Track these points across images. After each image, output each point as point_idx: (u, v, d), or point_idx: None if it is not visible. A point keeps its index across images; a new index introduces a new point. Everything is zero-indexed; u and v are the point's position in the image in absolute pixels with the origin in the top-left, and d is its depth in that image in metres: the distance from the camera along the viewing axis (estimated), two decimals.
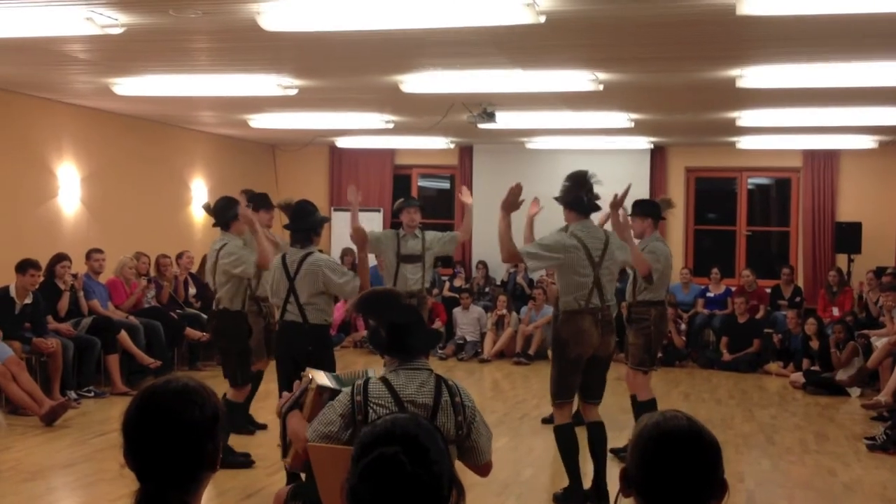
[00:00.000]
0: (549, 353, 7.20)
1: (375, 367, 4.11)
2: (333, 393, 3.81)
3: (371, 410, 3.52)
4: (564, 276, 6.22)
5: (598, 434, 6.38)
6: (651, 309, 7.46)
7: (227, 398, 7.16)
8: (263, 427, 8.18)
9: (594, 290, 6.18)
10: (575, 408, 6.54)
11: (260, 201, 8.16)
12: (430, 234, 8.59)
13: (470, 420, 3.68)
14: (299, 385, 4.02)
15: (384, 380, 3.64)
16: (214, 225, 7.46)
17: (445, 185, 16.50)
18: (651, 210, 7.73)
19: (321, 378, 3.98)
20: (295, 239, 6.49)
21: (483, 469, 3.82)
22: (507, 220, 6.17)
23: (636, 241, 7.11)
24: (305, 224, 6.47)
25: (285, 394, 4.12)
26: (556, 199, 6.45)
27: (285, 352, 6.48)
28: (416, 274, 8.38)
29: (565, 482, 6.53)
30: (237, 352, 7.27)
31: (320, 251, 6.57)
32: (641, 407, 7.36)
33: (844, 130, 12.06)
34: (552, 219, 8.79)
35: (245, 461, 7.10)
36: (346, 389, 3.67)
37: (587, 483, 6.36)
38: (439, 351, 13.06)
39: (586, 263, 6.15)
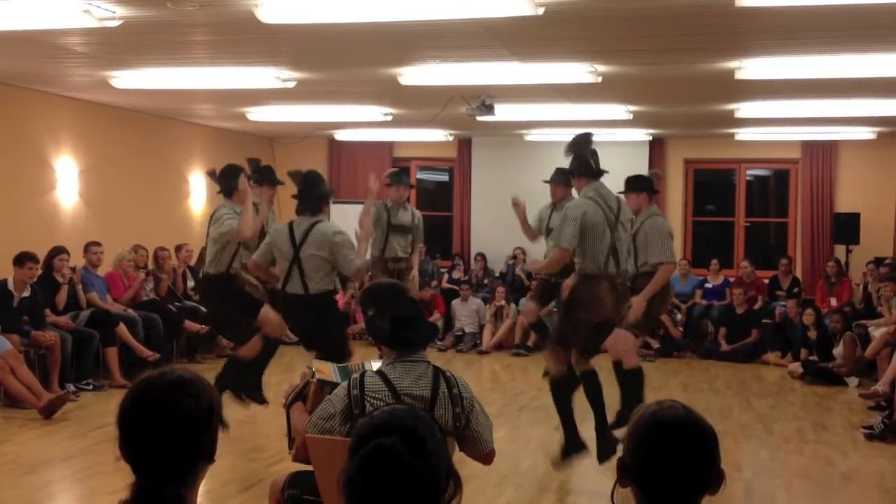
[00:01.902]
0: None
1: (374, 360, 4.11)
2: (334, 387, 3.82)
3: (368, 404, 3.52)
4: (582, 241, 6.23)
5: (592, 381, 6.46)
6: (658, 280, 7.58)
7: (237, 356, 7.22)
8: (265, 403, 7.99)
9: (610, 255, 6.20)
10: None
11: (264, 175, 8.22)
12: (418, 215, 8.85)
13: (468, 411, 3.68)
14: (304, 376, 4.04)
15: (380, 373, 3.64)
16: (218, 192, 7.55)
17: (444, 177, 16.49)
18: (644, 185, 7.78)
19: (325, 371, 3.98)
20: (303, 208, 6.54)
21: (486, 457, 3.84)
22: (534, 264, 6.41)
23: (633, 217, 7.08)
24: (314, 194, 6.53)
25: (291, 385, 4.13)
26: (566, 171, 6.56)
27: (290, 326, 6.52)
28: (403, 243, 8.60)
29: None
30: (227, 313, 7.28)
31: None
32: (628, 376, 7.32)
33: (843, 122, 12.06)
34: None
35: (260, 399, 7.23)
36: (344, 383, 3.67)
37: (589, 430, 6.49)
38: (438, 343, 13.07)
39: (603, 222, 6.19)
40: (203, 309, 10.64)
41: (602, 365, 6.90)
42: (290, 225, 6.50)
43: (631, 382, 7.23)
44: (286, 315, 6.63)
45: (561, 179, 8.57)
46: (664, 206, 14.44)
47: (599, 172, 6.41)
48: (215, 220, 7.36)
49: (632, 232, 7.32)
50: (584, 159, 6.37)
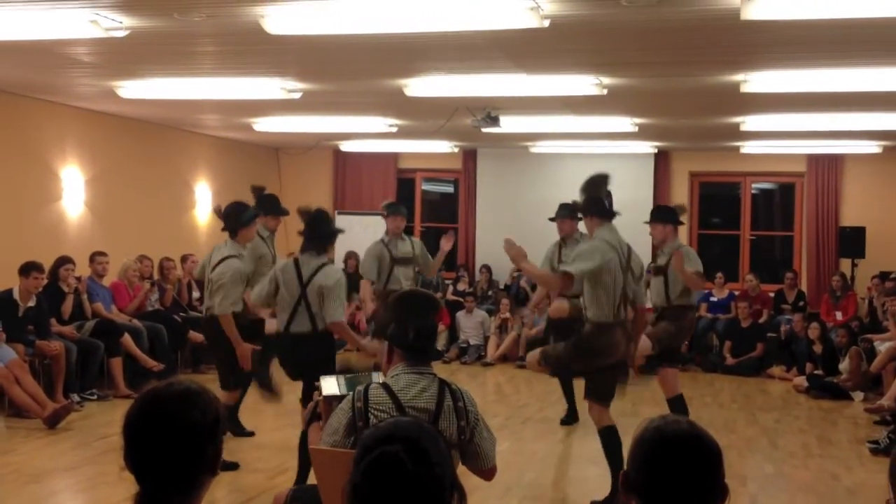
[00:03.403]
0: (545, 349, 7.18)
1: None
2: (342, 399, 3.83)
3: (372, 416, 3.51)
4: (596, 285, 6.13)
5: (612, 437, 6.37)
6: (688, 312, 7.64)
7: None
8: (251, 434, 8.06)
9: (622, 302, 6.16)
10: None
11: (268, 205, 8.13)
12: (418, 243, 8.82)
13: (473, 424, 3.68)
14: (315, 396, 4.06)
15: (384, 385, 3.64)
16: (223, 229, 7.35)
17: (449, 189, 16.50)
18: (671, 216, 7.81)
19: (330, 386, 3.98)
20: (308, 246, 6.48)
21: (488, 473, 3.83)
22: (527, 264, 6.21)
23: (643, 263, 7.03)
24: (321, 233, 6.51)
25: (310, 405, 4.16)
26: (578, 208, 6.52)
27: (292, 364, 6.49)
28: (408, 276, 8.57)
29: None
30: (228, 357, 7.18)
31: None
32: (671, 404, 7.49)
33: (848, 135, 12.05)
34: (554, 225, 8.87)
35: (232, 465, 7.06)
36: (348, 396, 3.68)
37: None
38: (443, 355, 13.07)
39: (618, 269, 6.14)
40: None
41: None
42: (297, 262, 6.47)
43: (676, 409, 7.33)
44: (287, 355, 6.55)
45: (567, 214, 8.57)
46: None
47: (613, 214, 6.37)
48: (220, 273, 7.09)
49: (661, 264, 7.43)
50: (599, 200, 6.33)
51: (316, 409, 3.99)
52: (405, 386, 3.63)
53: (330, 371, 6.35)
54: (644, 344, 7.13)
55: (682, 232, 14.44)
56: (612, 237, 6.23)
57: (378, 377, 3.88)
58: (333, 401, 3.88)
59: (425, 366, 3.74)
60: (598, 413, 6.36)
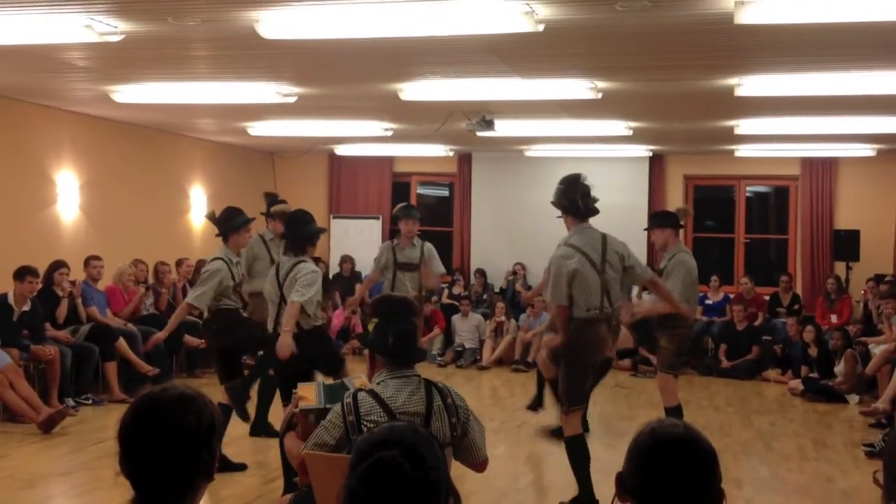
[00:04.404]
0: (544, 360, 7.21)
1: (358, 377, 4.12)
2: (319, 413, 3.82)
3: (365, 428, 3.51)
4: (574, 286, 6.18)
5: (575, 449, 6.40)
6: (684, 319, 7.56)
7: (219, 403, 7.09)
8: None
9: (603, 296, 6.19)
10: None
11: (277, 211, 8.18)
12: (429, 248, 8.71)
13: (464, 420, 3.71)
14: (294, 402, 4.05)
15: (373, 393, 3.65)
16: (217, 235, 7.38)
17: (444, 192, 16.51)
18: (670, 220, 7.81)
19: (309, 395, 3.98)
20: (289, 248, 6.48)
21: (480, 466, 3.85)
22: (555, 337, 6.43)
23: (623, 252, 6.99)
24: (300, 234, 6.46)
25: (287, 412, 4.16)
26: (553, 203, 6.46)
27: (285, 364, 6.49)
28: (413, 281, 8.51)
29: (563, 489, 6.54)
30: (212, 350, 7.20)
31: (317, 258, 6.58)
32: (668, 414, 7.38)
33: (842, 139, 12.07)
34: (549, 229, 8.85)
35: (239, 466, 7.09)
36: (336, 409, 3.66)
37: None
38: (438, 358, 13.08)
39: (591, 270, 6.15)
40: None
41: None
42: (277, 266, 6.49)
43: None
44: (273, 353, 6.57)
45: None
46: None
47: (587, 213, 6.34)
48: (204, 271, 7.21)
49: (661, 268, 7.42)
50: (572, 201, 6.31)
51: (292, 420, 3.99)
52: (393, 393, 3.64)
53: (330, 362, 6.35)
54: (625, 337, 7.21)
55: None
56: (581, 239, 6.21)
57: (355, 383, 3.90)
58: (310, 413, 3.88)
59: (409, 369, 3.76)
60: (567, 419, 6.37)
